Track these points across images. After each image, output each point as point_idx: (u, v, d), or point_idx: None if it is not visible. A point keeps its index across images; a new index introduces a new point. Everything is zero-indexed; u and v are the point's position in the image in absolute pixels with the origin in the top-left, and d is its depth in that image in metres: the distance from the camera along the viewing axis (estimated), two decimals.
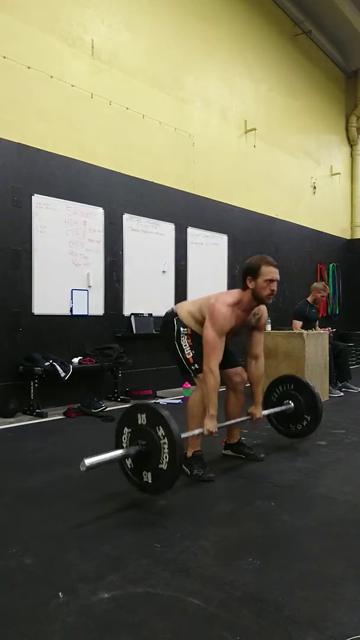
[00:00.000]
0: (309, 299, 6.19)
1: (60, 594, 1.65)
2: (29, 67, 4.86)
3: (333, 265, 9.97)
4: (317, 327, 6.20)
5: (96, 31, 5.54)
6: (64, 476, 2.90)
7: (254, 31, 7.93)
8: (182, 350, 2.96)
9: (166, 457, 2.34)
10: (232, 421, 3.16)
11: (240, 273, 3.02)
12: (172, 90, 6.49)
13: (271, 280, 2.90)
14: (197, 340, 2.93)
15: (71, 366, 4.81)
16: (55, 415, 4.63)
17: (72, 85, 5.26)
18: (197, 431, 2.81)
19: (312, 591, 1.69)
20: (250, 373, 3.22)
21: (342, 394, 5.96)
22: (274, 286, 2.93)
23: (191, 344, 2.94)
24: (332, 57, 10.02)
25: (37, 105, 4.96)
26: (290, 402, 3.59)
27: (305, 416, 3.56)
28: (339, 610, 1.58)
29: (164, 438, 2.35)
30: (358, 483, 2.81)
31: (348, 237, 10.80)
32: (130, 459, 2.51)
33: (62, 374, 4.67)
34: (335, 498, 2.57)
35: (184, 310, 3.06)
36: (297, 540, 2.09)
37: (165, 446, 2.34)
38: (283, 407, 3.56)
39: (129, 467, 2.53)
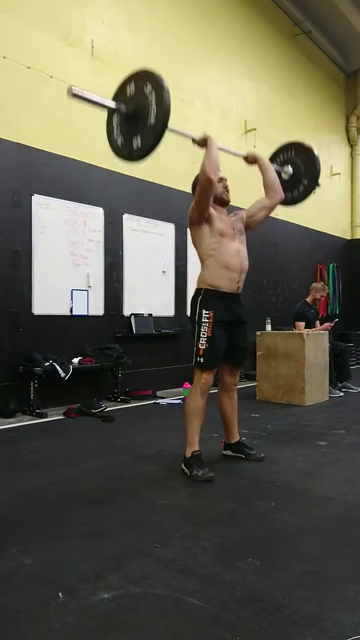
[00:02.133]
0: (308, 299, 6.19)
1: (60, 594, 1.65)
2: (29, 67, 4.86)
3: (333, 265, 9.97)
4: (317, 326, 6.19)
5: (96, 31, 5.54)
6: (64, 476, 2.90)
7: (253, 31, 7.93)
8: (199, 337, 2.92)
9: (154, 110, 2.40)
10: (228, 149, 3.12)
11: (192, 192, 3.08)
12: (172, 90, 6.35)
13: (220, 179, 3.03)
14: (217, 332, 2.90)
15: (71, 366, 4.81)
16: (55, 415, 4.63)
17: (72, 86, 5.25)
18: (190, 133, 2.86)
19: (312, 591, 1.69)
20: None
21: (342, 394, 5.96)
22: (225, 182, 3.08)
23: (209, 334, 2.89)
24: (332, 57, 10.02)
25: (37, 105, 4.96)
26: (290, 167, 3.55)
27: (303, 180, 3.53)
28: (339, 611, 1.58)
29: (151, 93, 2.42)
30: (358, 483, 2.80)
31: (348, 237, 10.81)
32: (120, 136, 2.61)
33: (62, 374, 4.67)
34: (335, 498, 2.57)
35: (199, 275, 3.05)
36: (297, 540, 2.09)
37: (153, 100, 2.41)
38: (281, 169, 3.52)
39: (121, 145, 2.63)
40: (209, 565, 1.86)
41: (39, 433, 4.07)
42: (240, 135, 7.71)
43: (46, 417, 4.55)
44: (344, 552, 1.98)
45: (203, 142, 2.87)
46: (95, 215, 5.47)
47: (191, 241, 3.08)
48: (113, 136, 2.69)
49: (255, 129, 7.78)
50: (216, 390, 3.26)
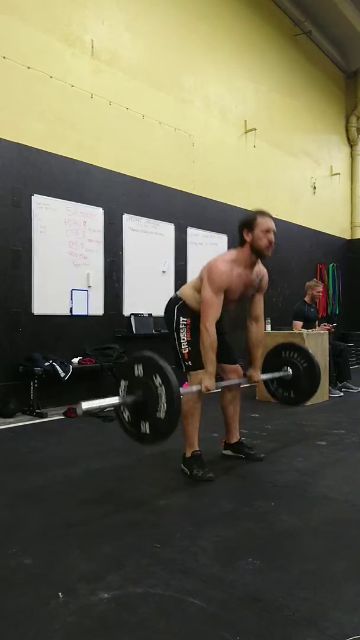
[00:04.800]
0: (306, 298, 6.17)
1: (60, 594, 1.65)
2: (29, 67, 4.86)
3: (333, 265, 9.97)
4: (317, 326, 6.19)
5: (96, 31, 5.54)
6: (64, 476, 2.90)
7: (253, 31, 7.93)
8: (180, 343, 2.93)
9: (164, 406, 2.34)
10: (229, 382, 3.05)
11: (237, 230, 2.98)
12: (172, 90, 6.49)
13: (267, 231, 2.90)
14: (196, 335, 2.88)
15: (71, 366, 4.81)
16: (55, 415, 4.63)
17: (72, 85, 5.26)
18: (195, 388, 2.79)
19: (312, 591, 1.69)
20: (251, 334, 3.19)
21: (342, 394, 5.96)
22: (271, 236, 2.92)
23: (189, 338, 2.90)
24: (332, 57, 10.02)
25: (37, 105, 4.96)
26: (290, 369, 3.48)
27: (292, 392, 3.51)
28: (339, 610, 1.58)
29: (160, 387, 2.34)
30: (358, 483, 2.81)
31: (348, 237, 10.81)
32: (127, 411, 2.51)
33: (62, 374, 4.67)
34: (335, 498, 2.57)
35: (188, 288, 3.02)
36: (297, 540, 2.09)
37: (163, 394, 2.34)
38: (282, 374, 3.47)
39: (127, 419, 2.52)
40: (209, 565, 1.86)
41: (39, 433, 4.06)
42: (240, 135, 7.71)
43: (46, 417, 4.55)
44: (344, 552, 1.98)
45: (207, 383, 2.78)
46: (95, 215, 5.47)
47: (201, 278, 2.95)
48: (120, 409, 2.57)
49: (255, 129, 7.78)
50: (218, 390, 3.26)
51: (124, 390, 2.50)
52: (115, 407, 2.53)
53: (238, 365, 3.22)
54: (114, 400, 2.46)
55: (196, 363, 2.89)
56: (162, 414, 2.34)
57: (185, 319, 2.94)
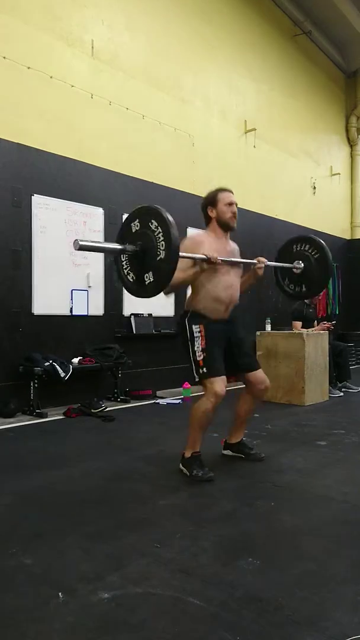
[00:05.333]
0: None
1: (60, 594, 1.65)
2: (29, 67, 4.86)
3: (333, 265, 9.97)
4: (316, 326, 6.18)
5: (96, 31, 5.54)
6: (64, 476, 2.90)
7: (254, 31, 7.94)
8: (194, 352, 2.89)
9: (162, 245, 2.38)
10: (234, 259, 3.01)
11: (202, 210, 3.06)
12: (172, 90, 6.48)
13: (230, 204, 2.99)
14: (210, 338, 2.88)
15: (71, 366, 4.81)
16: (55, 415, 4.63)
17: (72, 86, 5.26)
18: (198, 255, 2.76)
19: (312, 591, 1.69)
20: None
21: (341, 394, 5.96)
22: (234, 208, 3.01)
23: (204, 346, 2.87)
24: (332, 57, 10.03)
25: (37, 105, 4.96)
26: (302, 263, 3.41)
27: (303, 285, 3.47)
28: (339, 610, 1.58)
29: (157, 228, 2.39)
30: (358, 483, 2.81)
31: (348, 238, 10.81)
32: (132, 273, 2.59)
33: (62, 374, 4.67)
34: (335, 498, 2.57)
35: (188, 297, 3.04)
36: (297, 540, 2.09)
37: (160, 235, 2.38)
38: (291, 265, 3.43)
39: (131, 280, 2.60)
40: (209, 565, 1.86)
41: (39, 433, 4.07)
42: (240, 135, 7.71)
43: (46, 417, 4.55)
44: (344, 552, 1.98)
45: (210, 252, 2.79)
46: (95, 215, 5.47)
47: None
48: (124, 272, 2.64)
49: (255, 129, 7.79)
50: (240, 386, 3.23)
51: (125, 257, 2.59)
52: (116, 254, 2.63)
53: (261, 370, 3.15)
54: (114, 245, 2.55)
55: (211, 369, 2.86)
56: (162, 255, 2.39)
57: (197, 326, 2.91)
